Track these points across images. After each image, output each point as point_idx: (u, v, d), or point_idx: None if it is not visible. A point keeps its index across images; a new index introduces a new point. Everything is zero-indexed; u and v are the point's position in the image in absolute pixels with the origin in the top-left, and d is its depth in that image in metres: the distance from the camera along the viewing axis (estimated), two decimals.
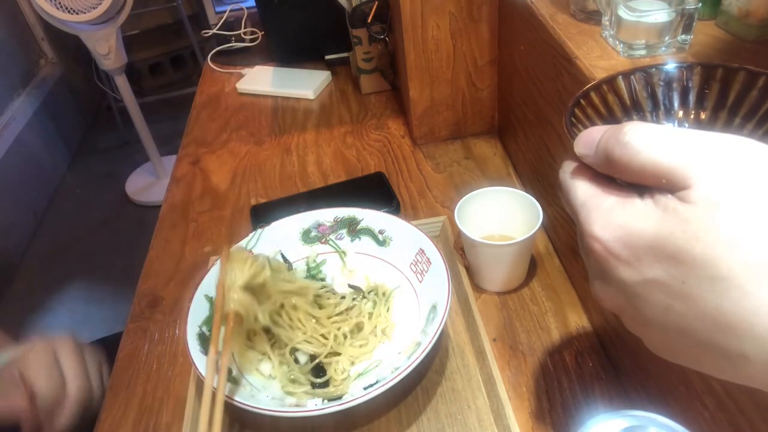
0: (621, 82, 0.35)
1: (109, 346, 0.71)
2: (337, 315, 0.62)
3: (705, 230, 0.23)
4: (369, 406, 0.54)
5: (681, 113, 0.34)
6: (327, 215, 0.70)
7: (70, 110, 2.76)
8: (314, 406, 0.54)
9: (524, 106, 0.76)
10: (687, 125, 0.34)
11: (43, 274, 2.06)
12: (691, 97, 0.34)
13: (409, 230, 0.66)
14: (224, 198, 0.89)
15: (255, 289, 0.56)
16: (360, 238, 0.69)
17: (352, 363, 0.59)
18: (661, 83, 0.34)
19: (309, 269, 0.69)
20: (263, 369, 0.59)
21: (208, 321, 0.60)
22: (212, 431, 0.46)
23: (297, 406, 0.55)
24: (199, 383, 0.59)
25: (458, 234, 0.66)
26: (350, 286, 0.67)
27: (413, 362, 0.52)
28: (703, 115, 0.34)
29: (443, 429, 0.55)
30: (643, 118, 0.34)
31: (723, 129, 0.33)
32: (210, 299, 0.62)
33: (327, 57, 1.20)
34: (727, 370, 0.25)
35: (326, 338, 0.60)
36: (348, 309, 0.63)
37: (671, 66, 0.34)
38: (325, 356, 0.59)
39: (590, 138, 0.28)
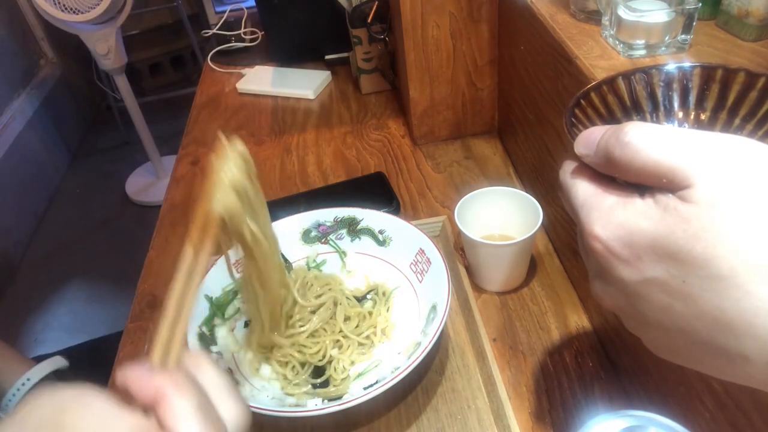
0: (621, 83, 0.35)
1: (109, 346, 0.70)
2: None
3: (706, 230, 0.23)
4: (369, 406, 0.54)
5: (681, 114, 0.34)
6: (327, 215, 0.70)
7: (70, 110, 2.76)
8: (314, 406, 0.54)
9: (524, 106, 0.76)
10: (687, 126, 0.34)
11: (43, 274, 2.06)
12: (691, 98, 0.34)
13: (409, 230, 0.66)
14: None
15: (242, 196, 0.48)
16: (360, 238, 0.69)
17: (352, 363, 0.59)
18: (661, 84, 0.34)
19: (309, 269, 0.69)
20: (263, 372, 0.59)
21: (208, 321, 0.61)
22: (174, 340, 0.37)
23: (297, 406, 0.55)
24: None
25: (458, 234, 0.66)
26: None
27: (413, 362, 0.52)
28: (702, 116, 0.34)
29: (443, 429, 0.55)
30: (643, 119, 0.34)
31: (723, 130, 0.33)
32: (210, 299, 0.62)
33: (327, 57, 1.19)
34: (727, 370, 0.25)
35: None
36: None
37: (671, 67, 0.34)
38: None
39: (591, 138, 0.28)
